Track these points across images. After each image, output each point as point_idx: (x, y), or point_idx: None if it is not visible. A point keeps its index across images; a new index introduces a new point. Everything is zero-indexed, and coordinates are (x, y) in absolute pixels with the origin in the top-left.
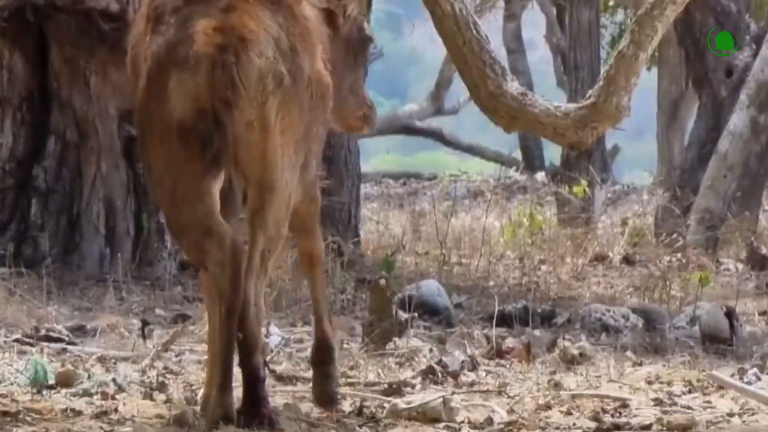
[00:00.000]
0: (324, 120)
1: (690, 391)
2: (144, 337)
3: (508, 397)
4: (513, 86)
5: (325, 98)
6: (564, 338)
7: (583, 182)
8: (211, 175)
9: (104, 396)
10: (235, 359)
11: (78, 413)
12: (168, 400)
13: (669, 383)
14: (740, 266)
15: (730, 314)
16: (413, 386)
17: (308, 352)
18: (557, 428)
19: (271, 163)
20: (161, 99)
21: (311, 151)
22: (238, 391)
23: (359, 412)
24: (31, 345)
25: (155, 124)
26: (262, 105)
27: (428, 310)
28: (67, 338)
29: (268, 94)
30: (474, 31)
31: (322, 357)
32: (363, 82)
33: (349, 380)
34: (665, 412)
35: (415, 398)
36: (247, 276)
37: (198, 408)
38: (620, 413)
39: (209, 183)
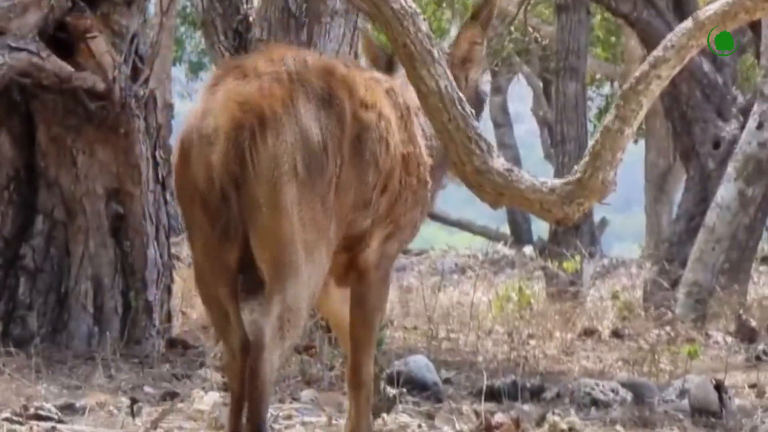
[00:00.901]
0: (395, 235)
1: None
2: (133, 414)
3: None
4: (499, 162)
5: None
6: (553, 413)
7: (575, 257)
8: (226, 248)
9: None
10: None
11: None
12: None
13: None
14: (729, 339)
15: (719, 387)
16: None
17: (297, 429)
18: None
19: (289, 250)
20: (186, 167)
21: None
22: None
23: None
24: (21, 424)
25: (183, 188)
26: (274, 188)
27: (417, 386)
28: (56, 417)
29: (281, 177)
30: (459, 108)
31: None
32: None
33: None
34: None
35: None
36: (262, 337)
37: None
38: None
39: (225, 254)
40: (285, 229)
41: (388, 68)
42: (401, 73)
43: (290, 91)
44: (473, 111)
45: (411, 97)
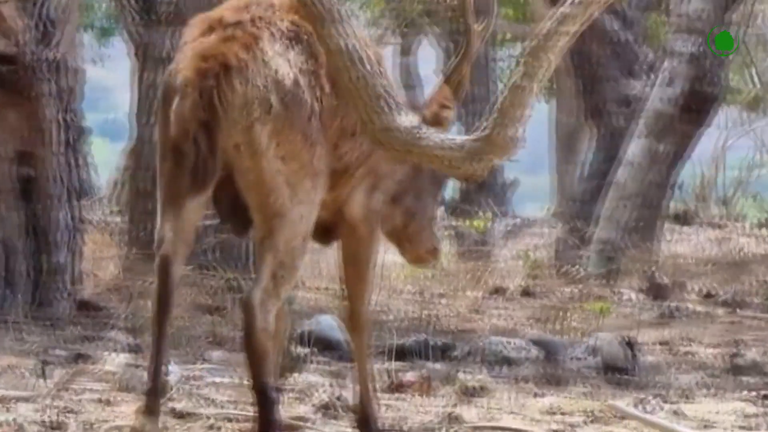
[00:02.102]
0: (378, 185)
1: (591, 422)
2: (44, 376)
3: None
4: (406, 120)
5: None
6: (463, 371)
7: (484, 216)
8: (194, 196)
9: None
10: None
11: None
12: None
13: (569, 414)
14: (640, 296)
15: (629, 344)
16: (312, 421)
17: (207, 390)
18: None
19: (273, 189)
20: (164, 119)
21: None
22: None
23: None
24: None
25: (161, 143)
26: (248, 130)
27: (326, 345)
28: None
29: (254, 120)
30: (366, 66)
31: (362, 424)
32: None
33: (247, 416)
34: None
35: None
36: (254, 292)
37: None
38: None
39: (190, 202)
40: (264, 170)
41: None
42: None
43: (254, 35)
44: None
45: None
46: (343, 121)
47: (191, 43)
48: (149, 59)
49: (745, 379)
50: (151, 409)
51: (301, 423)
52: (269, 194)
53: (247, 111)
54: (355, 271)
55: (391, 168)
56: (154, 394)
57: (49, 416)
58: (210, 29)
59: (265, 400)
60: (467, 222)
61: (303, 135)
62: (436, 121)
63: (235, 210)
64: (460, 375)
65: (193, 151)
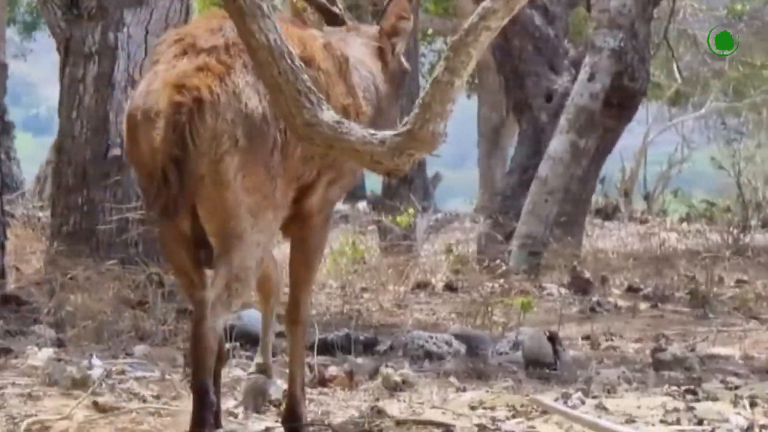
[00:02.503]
0: (338, 181)
1: (514, 416)
2: None
3: (329, 425)
4: (328, 115)
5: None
6: (386, 365)
7: (408, 211)
8: (173, 221)
9: None
10: None
11: None
12: None
13: (492, 408)
14: (563, 291)
15: (553, 339)
16: (236, 416)
17: (130, 384)
18: None
19: (234, 216)
20: (134, 143)
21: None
22: None
23: None
24: None
25: (134, 162)
26: (216, 162)
27: (250, 340)
28: None
29: (223, 154)
30: (288, 61)
31: (290, 424)
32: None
33: (171, 411)
34: None
35: (238, 428)
36: (207, 295)
37: None
38: None
39: (181, 227)
40: (228, 201)
41: (332, 23)
42: (349, 25)
43: (227, 66)
44: (402, 88)
45: (349, 50)
46: (303, 148)
47: (164, 66)
48: (73, 54)
49: (667, 373)
50: None
51: (226, 417)
52: (229, 220)
53: (216, 144)
54: (304, 259)
55: (352, 165)
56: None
57: None
58: (183, 53)
59: (201, 397)
60: (390, 217)
61: (266, 168)
62: (394, 33)
63: (206, 239)
64: (384, 369)
65: (163, 182)
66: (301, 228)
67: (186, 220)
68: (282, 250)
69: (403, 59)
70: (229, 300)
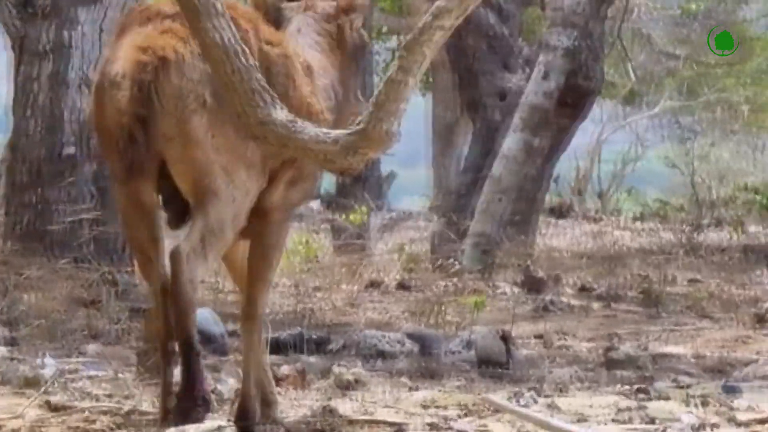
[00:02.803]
0: (298, 182)
1: (466, 415)
2: None
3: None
4: (282, 114)
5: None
6: (339, 364)
7: (360, 209)
8: (139, 188)
9: None
10: None
11: None
12: None
13: (444, 407)
14: (516, 290)
15: (505, 338)
16: None
17: (82, 383)
18: None
19: (207, 174)
20: (100, 109)
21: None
22: None
23: None
24: None
25: (100, 133)
26: (184, 122)
27: (203, 339)
28: None
29: (190, 113)
30: (242, 60)
31: (241, 420)
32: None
33: (124, 410)
34: None
35: (190, 427)
36: (183, 246)
37: None
38: None
39: (141, 196)
40: (199, 158)
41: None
42: (289, 30)
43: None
44: (362, 62)
45: (307, 55)
46: None
47: (128, 33)
48: (27, 52)
49: (619, 372)
50: None
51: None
52: (204, 178)
53: (182, 103)
54: (261, 255)
55: (312, 169)
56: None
57: None
58: (147, 20)
59: (190, 351)
60: (343, 215)
61: (235, 128)
62: (352, 8)
63: (175, 199)
64: (336, 368)
65: (129, 143)
66: (260, 224)
67: (149, 183)
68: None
69: (363, 32)
70: (204, 252)
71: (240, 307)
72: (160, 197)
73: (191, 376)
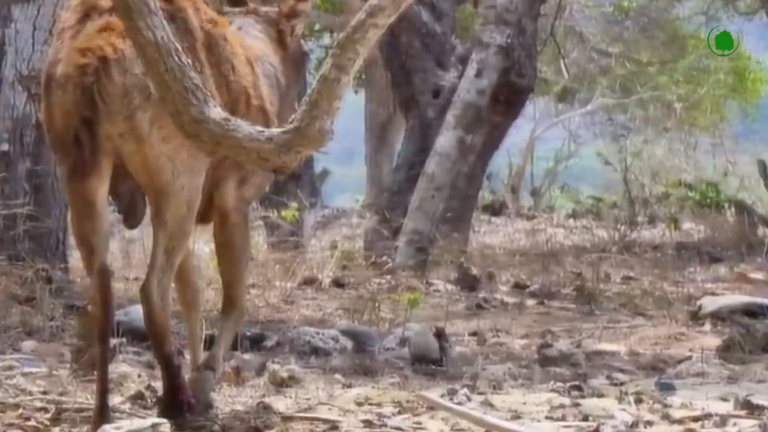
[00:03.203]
0: (249, 179)
1: (400, 412)
2: None
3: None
4: (216, 112)
5: (238, 104)
6: (273, 361)
7: (293, 206)
8: (85, 186)
9: None
10: None
11: None
12: None
13: (379, 405)
14: (450, 287)
15: (439, 335)
16: (122, 411)
17: (17, 380)
18: None
19: (157, 170)
20: (48, 110)
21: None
22: None
23: None
24: None
25: (48, 131)
26: (131, 118)
27: (137, 336)
28: None
29: (135, 108)
30: (176, 58)
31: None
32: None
33: (59, 406)
34: None
35: (125, 424)
36: (150, 272)
37: None
38: None
39: (86, 193)
40: (149, 153)
41: (234, 3)
42: (249, 6)
43: None
44: (303, 70)
45: (250, 44)
46: (220, 95)
47: (68, 32)
48: None
49: (553, 369)
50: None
51: (113, 412)
52: (154, 174)
53: (127, 100)
54: (228, 257)
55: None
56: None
57: None
58: (86, 16)
59: (170, 367)
60: (278, 213)
61: None
62: (294, 14)
63: (134, 203)
64: (271, 365)
65: (75, 144)
66: (222, 230)
67: (98, 182)
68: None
69: (302, 41)
70: (170, 262)
71: (222, 308)
72: (117, 197)
73: (174, 387)
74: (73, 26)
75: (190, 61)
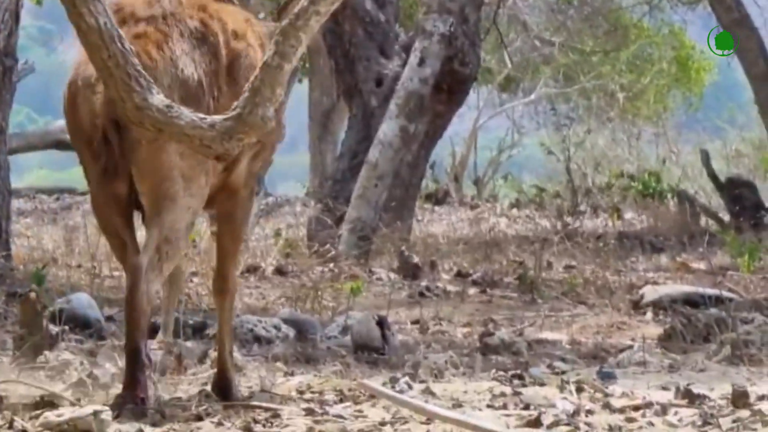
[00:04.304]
0: (260, 154)
1: (341, 401)
2: None
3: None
4: (158, 99)
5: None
6: (215, 349)
7: None
8: (112, 183)
9: None
10: None
11: None
12: None
13: (320, 393)
14: (393, 275)
15: (381, 323)
16: (64, 399)
17: None
18: None
19: (167, 179)
20: (73, 109)
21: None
22: None
23: (10, 425)
24: None
25: (73, 130)
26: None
27: (79, 323)
28: None
29: None
30: (119, 44)
31: (221, 388)
32: None
33: (1, 394)
34: (317, 422)
35: (66, 411)
36: (141, 260)
37: None
38: (272, 423)
39: (114, 188)
40: (163, 163)
41: None
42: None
43: (165, 35)
44: None
45: (262, 26)
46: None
47: None
48: None
49: (494, 358)
50: None
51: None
52: (162, 182)
53: None
54: (231, 233)
55: (271, 138)
56: None
57: None
58: (122, 22)
59: (135, 358)
60: None
61: None
62: None
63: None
64: (213, 353)
65: (104, 145)
66: (228, 202)
67: (124, 183)
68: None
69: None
70: (159, 264)
71: (212, 281)
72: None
73: (133, 381)
74: None
75: (211, 85)
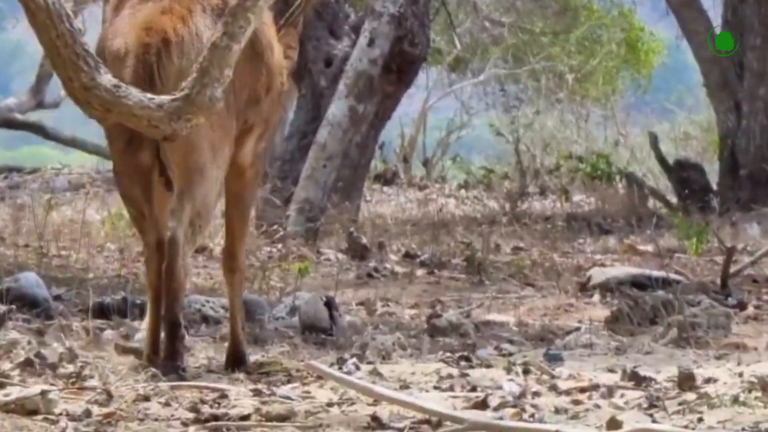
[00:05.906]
0: (265, 134)
1: (289, 381)
2: None
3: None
4: (106, 78)
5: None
6: (163, 330)
7: None
8: (137, 154)
9: None
10: None
11: None
12: None
13: (268, 374)
14: (341, 256)
15: (329, 304)
16: (11, 378)
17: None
18: (156, 419)
19: (196, 149)
20: None
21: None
22: None
23: None
24: None
25: None
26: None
27: (27, 303)
28: None
29: None
30: (67, 24)
31: (235, 360)
32: None
33: None
34: (264, 403)
35: (13, 391)
36: (178, 233)
37: None
38: (219, 404)
39: (137, 159)
40: (192, 134)
41: None
42: None
43: (189, 9)
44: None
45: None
46: (251, 91)
47: (128, 11)
48: None
49: (442, 339)
50: None
51: (1, 380)
52: (192, 153)
53: (182, 80)
54: (239, 211)
55: (276, 120)
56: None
57: None
58: None
59: (174, 330)
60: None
61: (226, 104)
62: (284, 56)
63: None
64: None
65: None
66: (237, 183)
67: (149, 154)
68: None
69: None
70: (193, 237)
71: (222, 260)
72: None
73: (174, 352)
74: (133, 6)
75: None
